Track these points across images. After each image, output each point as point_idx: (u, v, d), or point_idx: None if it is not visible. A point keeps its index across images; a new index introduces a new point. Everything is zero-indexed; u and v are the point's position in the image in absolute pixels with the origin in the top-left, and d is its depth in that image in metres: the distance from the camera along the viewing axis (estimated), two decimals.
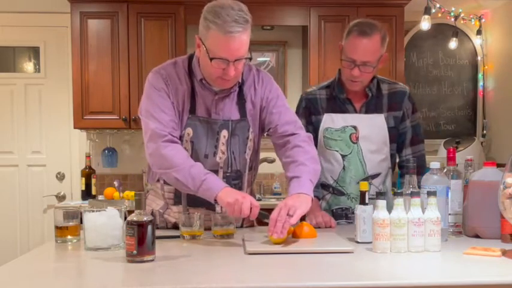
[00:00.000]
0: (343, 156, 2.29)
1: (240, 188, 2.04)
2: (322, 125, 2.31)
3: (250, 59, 1.90)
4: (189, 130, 1.96)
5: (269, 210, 2.33)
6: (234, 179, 2.03)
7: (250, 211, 1.78)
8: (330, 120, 2.30)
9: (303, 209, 1.80)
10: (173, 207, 2.08)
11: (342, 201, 2.29)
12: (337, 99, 2.31)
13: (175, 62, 2.02)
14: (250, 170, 2.11)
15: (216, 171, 1.97)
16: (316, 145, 2.24)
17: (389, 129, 2.30)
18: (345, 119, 2.29)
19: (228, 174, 2.02)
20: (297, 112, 2.34)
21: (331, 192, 2.33)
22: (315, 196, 2.25)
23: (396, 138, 2.34)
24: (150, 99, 1.95)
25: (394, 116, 2.32)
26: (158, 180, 2.09)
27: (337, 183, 2.31)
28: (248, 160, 2.07)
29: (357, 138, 2.27)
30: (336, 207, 2.32)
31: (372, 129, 2.28)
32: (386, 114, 2.31)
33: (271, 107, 2.05)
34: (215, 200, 1.82)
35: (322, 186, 2.34)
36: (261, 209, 1.82)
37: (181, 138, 1.95)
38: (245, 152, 2.05)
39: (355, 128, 2.28)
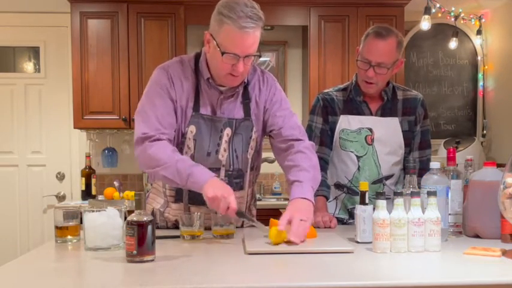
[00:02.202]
0: (358, 157, 2.32)
1: (241, 188, 2.06)
2: (339, 126, 2.35)
3: (260, 56, 1.92)
4: (192, 128, 1.96)
5: (270, 210, 2.33)
6: (236, 178, 2.04)
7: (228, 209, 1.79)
8: (346, 122, 2.34)
9: (311, 217, 1.85)
10: (173, 204, 2.07)
11: (357, 201, 2.31)
12: (354, 101, 2.36)
13: (182, 59, 2.02)
14: (252, 170, 2.11)
15: (218, 169, 1.98)
16: (331, 145, 2.34)
17: (404, 132, 2.35)
18: (361, 121, 2.33)
19: (230, 172, 2.03)
20: (312, 112, 2.41)
21: (345, 192, 2.36)
22: (322, 196, 2.29)
23: (410, 142, 2.38)
24: (147, 96, 1.95)
25: (408, 120, 2.36)
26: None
27: (352, 183, 2.34)
28: (250, 160, 2.08)
29: (372, 140, 2.32)
30: (351, 206, 2.35)
31: (387, 132, 2.33)
32: (401, 118, 2.36)
33: (276, 109, 2.06)
34: None
35: (336, 186, 2.38)
36: (239, 211, 1.83)
37: (184, 135, 1.96)
38: (247, 151, 2.05)
39: (370, 130, 2.32)
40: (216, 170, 1.96)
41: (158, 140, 1.89)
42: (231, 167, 2.02)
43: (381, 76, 2.24)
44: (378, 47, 2.20)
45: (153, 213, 2.08)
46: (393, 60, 2.23)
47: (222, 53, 1.82)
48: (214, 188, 1.79)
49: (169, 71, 1.96)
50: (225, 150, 2.00)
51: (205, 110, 1.98)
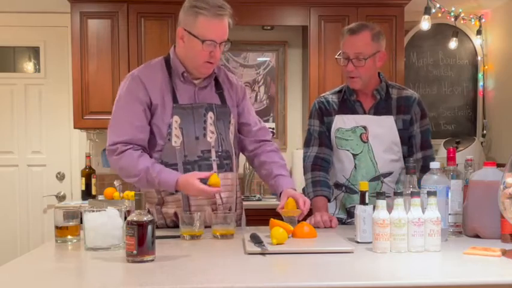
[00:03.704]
0: (355, 155, 2.34)
1: (231, 169, 2.17)
2: (334, 126, 2.38)
3: (231, 42, 2.10)
4: (176, 118, 2.08)
5: (270, 210, 2.34)
6: (225, 159, 2.14)
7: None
8: (341, 121, 2.37)
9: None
10: (169, 197, 2.11)
11: (355, 200, 2.32)
12: (348, 101, 2.39)
13: (148, 63, 2.20)
14: (235, 155, 2.22)
15: (209, 151, 2.10)
16: (330, 145, 2.39)
17: (399, 131, 2.35)
18: (356, 119, 2.36)
19: (219, 153, 2.13)
20: (310, 116, 2.47)
21: (343, 191, 2.37)
22: (323, 196, 2.29)
23: (406, 141, 2.38)
24: (117, 106, 2.12)
25: (403, 119, 2.37)
26: None
27: (349, 181, 2.35)
28: (232, 144, 2.19)
29: (367, 138, 2.33)
30: (349, 205, 2.35)
31: (382, 129, 2.34)
32: (395, 116, 2.36)
33: (249, 107, 2.28)
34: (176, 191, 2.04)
35: (335, 185, 2.40)
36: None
37: (169, 126, 2.06)
38: (229, 134, 2.18)
39: (364, 128, 2.34)
40: (207, 151, 2.09)
41: (122, 151, 2.04)
42: (220, 148, 2.13)
43: (361, 69, 2.28)
44: (352, 42, 2.28)
45: (149, 213, 2.09)
46: (371, 51, 2.27)
47: (203, 41, 2.00)
48: (186, 184, 1.97)
49: (138, 75, 2.12)
50: (212, 133, 2.12)
51: (184, 101, 2.11)
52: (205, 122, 2.10)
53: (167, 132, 2.06)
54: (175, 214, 2.10)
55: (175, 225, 2.06)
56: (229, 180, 2.16)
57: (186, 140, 2.07)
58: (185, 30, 2.03)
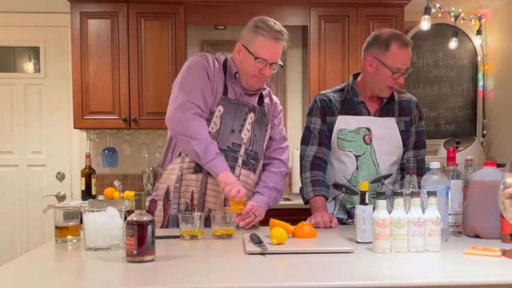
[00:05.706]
0: (357, 157, 2.34)
1: (254, 170, 2.28)
2: (336, 126, 2.37)
3: (282, 66, 2.27)
4: (221, 108, 2.21)
5: (270, 210, 2.34)
6: (252, 159, 2.26)
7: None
8: (344, 122, 2.36)
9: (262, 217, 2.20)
10: (192, 175, 2.20)
11: (355, 201, 2.32)
12: (351, 102, 2.38)
13: (211, 55, 2.33)
14: (261, 160, 2.32)
15: (239, 146, 2.22)
16: (329, 145, 2.39)
17: (401, 132, 2.38)
18: (359, 120, 2.35)
19: (248, 151, 2.24)
20: (310, 113, 2.44)
21: (344, 192, 2.37)
22: (322, 196, 2.30)
23: (406, 142, 2.41)
24: (191, 73, 2.21)
25: (404, 121, 2.39)
26: (179, 155, 2.24)
27: (350, 182, 2.35)
28: (264, 149, 2.31)
29: (370, 140, 2.33)
30: (349, 206, 2.35)
31: (385, 131, 2.35)
32: (397, 118, 2.38)
33: (280, 125, 2.39)
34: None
35: (335, 186, 2.39)
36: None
37: (212, 113, 2.20)
38: (263, 141, 2.31)
39: (368, 129, 2.33)
40: (237, 145, 2.21)
41: (200, 115, 2.15)
42: (251, 147, 2.25)
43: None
44: (407, 56, 2.27)
45: (167, 191, 2.22)
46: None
47: (255, 58, 2.17)
48: (228, 177, 2.09)
49: (208, 56, 2.27)
50: (248, 131, 2.24)
51: (232, 97, 2.25)
52: (244, 120, 2.24)
53: (208, 118, 2.19)
54: (192, 193, 2.19)
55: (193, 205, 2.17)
56: (250, 179, 2.26)
57: (223, 129, 2.20)
58: (243, 45, 2.21)
